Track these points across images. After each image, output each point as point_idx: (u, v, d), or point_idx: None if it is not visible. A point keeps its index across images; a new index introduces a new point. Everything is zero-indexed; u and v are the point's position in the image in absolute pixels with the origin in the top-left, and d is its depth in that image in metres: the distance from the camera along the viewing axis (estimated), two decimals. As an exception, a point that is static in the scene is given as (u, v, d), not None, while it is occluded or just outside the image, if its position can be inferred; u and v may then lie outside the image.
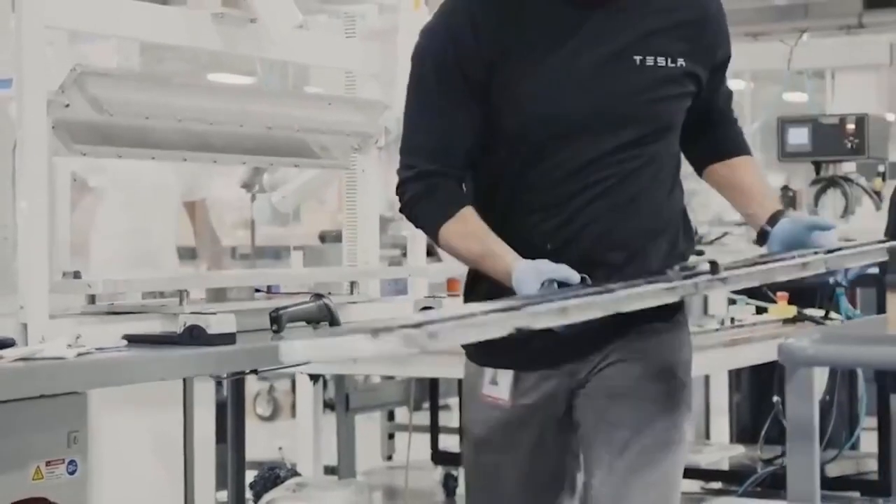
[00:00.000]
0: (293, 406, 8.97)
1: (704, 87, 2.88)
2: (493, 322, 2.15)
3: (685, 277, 2.53)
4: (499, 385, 2.84)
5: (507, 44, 2.72)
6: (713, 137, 3.02)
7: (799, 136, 6.37)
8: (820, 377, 6.27)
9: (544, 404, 2.81)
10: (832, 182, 6.45)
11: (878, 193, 6.52)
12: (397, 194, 2.88)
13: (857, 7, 18.40)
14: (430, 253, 5.29)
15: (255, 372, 3.71)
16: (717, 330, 5.17)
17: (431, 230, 2.84)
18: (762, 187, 3.00)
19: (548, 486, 2.87)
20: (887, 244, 2.68)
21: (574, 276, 2.57)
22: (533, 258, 2.66)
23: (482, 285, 2.81)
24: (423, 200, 2.82)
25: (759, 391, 6.58)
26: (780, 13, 19.72)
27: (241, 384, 4.27)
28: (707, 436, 7.02)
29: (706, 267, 2.58)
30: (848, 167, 6.70)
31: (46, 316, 3.17)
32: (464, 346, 2.87)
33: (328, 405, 6.91)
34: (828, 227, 2.82)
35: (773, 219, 2.89)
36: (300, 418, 6.44)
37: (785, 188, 7.19)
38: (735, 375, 6.65)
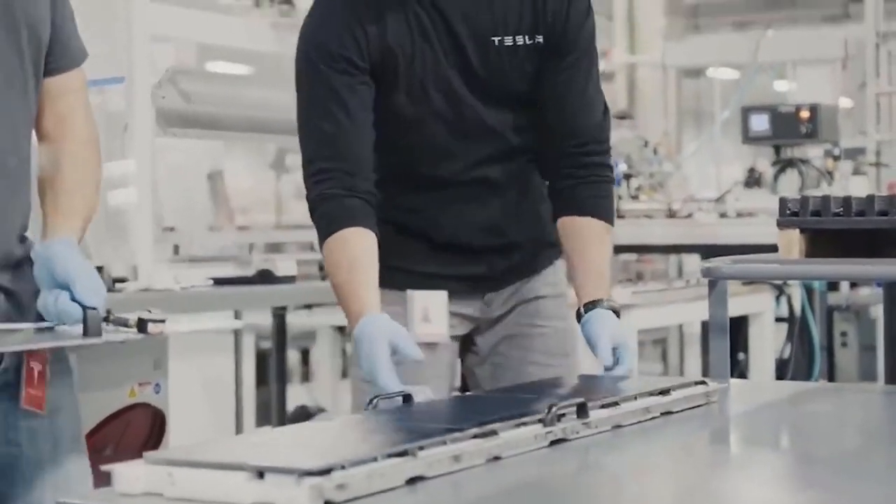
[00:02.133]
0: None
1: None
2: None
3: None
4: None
5: None
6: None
7: (760, 123, 7.24)
8: (777, 336, 7.13)
9: None
10: (789, 163, 7.31)
11: (829, 173, 7.38)
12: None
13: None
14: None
15: (309, 307, 4.61)
16: (684, 287, 6.07)
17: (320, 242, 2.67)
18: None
19: None
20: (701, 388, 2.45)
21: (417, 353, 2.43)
22: None
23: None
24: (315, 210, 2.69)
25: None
26: (768, 4, 20.36)
27: (283, 322, 5.10)
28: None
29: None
30: (814, 151, 7.56)
31: (151, 260, 4.06)
32: None
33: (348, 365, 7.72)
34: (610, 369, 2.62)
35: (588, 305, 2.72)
36: (321, 373, 7.30)
37: (751, 170, 8.03)
38: (702, 335, 7.47)
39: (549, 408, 2.07)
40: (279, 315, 5.06)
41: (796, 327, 6.99)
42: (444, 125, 2.80)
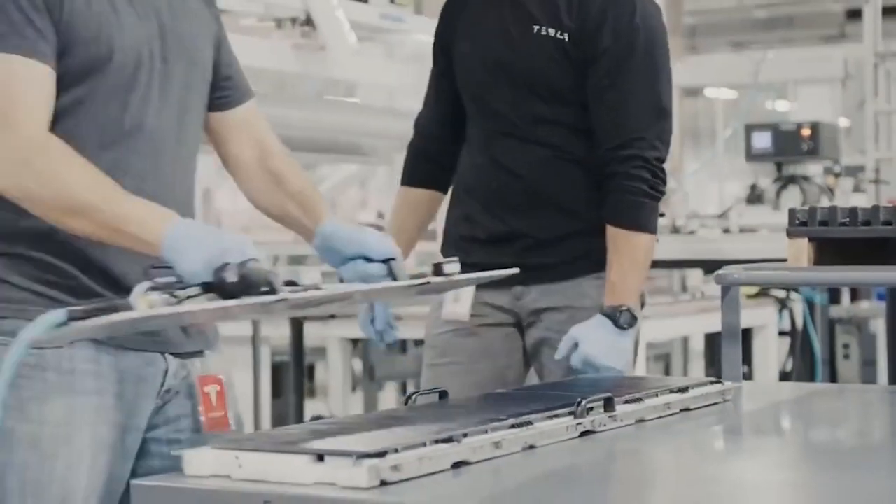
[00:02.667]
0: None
1: None
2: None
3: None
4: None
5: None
6: None
7: (762, 140, 7.40)
8: (780, 350, 7.26)
9: None
10: (791, 179, 7.47)
11: (830, 190, 7.54)
12: None
13: (840, 18, 19.21)
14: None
15: (333, 317, 4.77)
16: (689, 301, 6.21)
17: None
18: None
19: None
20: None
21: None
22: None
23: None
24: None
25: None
26: (765, 24, 20.49)
27: (300, 332, 5.25)
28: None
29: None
30: (814, 169, 7.72)
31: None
32: None
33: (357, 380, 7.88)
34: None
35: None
36: (333, 382, 7.44)
37: (753, 186, 8.20)
38: (708, 345, 7.62)
39: (579, 401, 2.22)
40: (297, 326, 5.20)
41: (798, 340, 7.13)
42: None
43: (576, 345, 2.95)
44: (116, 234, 2.20)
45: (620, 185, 3.01)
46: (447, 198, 3.34)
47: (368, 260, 2.38)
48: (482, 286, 3.07)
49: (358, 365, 7.78)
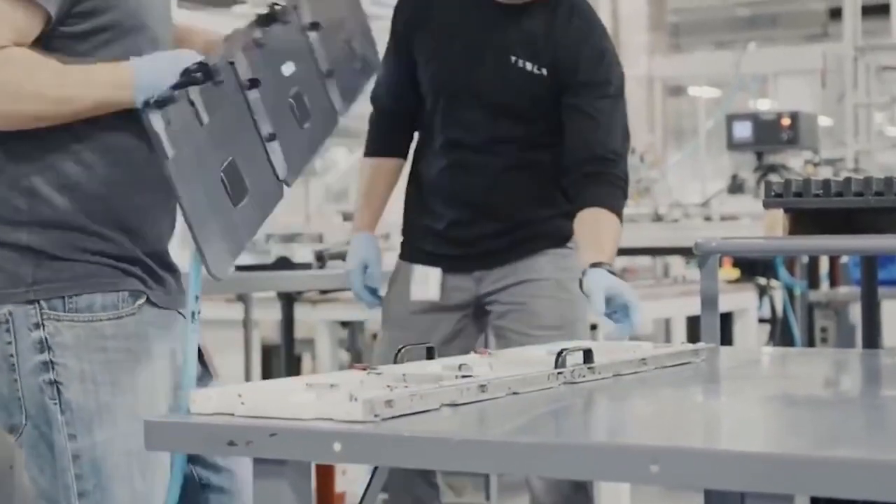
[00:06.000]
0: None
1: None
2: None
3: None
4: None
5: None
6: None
7: (743, 130, 7.53)
8: (759, 337, 7.39)
9: None
10: (771, 168, 7.60)
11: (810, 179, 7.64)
12: None
13: (823, 17, 19.30)
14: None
15: (326, 293, 4.89)
16: (672, 284, 6.33)
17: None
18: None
19: None
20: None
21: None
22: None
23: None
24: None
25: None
26: (748, 23, 20.58)
27: (291, 307, 5.36)
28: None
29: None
30: (794, 161, 7.85)
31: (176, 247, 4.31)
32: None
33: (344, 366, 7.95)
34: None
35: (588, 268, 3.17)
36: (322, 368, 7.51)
37: (734, 176, 8.33)
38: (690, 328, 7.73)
39: (560, 352, 2.34)
40: (288, 308, 5.31)
41: (778, 327, 7.25)
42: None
43: (609, 299, 3.04)
44: (87, 87, 2.31)
45: (607, 180, 3.37)
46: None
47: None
48: (447, 270, 3.52)
49: (345, 356, 7.87)
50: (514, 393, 2.19)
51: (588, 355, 2.42)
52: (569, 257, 3.52)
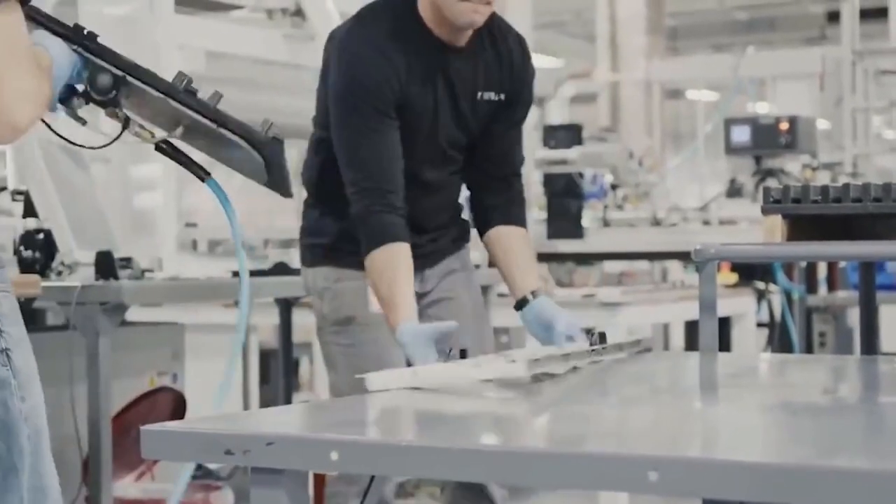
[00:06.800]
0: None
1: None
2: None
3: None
4: None
5: None
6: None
7: (741, 134, 7.52)
8: (758, 342, 7.39)
9: None
10: (769, 173, 7.60)
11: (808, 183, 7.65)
12: None
13: (821, 21, 19.31)
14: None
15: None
16: (670, 289, 6.33)
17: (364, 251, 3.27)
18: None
19: None
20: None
21: (452, 325, 3.01)
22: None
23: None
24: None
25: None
26: (746, 26, 20.58)
27: (289, 312, 5.37)
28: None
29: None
30: (792, 165, 7.85)
31: (174, 252, 4.32)
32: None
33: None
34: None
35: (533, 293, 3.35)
36: (320, 372, 7.52)
37: (733, 180, 8.33)
38: (688, 333, 7.75)
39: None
40: (285, 309, 5.32)
41: (776, 331, 7.25)
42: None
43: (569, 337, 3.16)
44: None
45: (519, 200, 3.55)
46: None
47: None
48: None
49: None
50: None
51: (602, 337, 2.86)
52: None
